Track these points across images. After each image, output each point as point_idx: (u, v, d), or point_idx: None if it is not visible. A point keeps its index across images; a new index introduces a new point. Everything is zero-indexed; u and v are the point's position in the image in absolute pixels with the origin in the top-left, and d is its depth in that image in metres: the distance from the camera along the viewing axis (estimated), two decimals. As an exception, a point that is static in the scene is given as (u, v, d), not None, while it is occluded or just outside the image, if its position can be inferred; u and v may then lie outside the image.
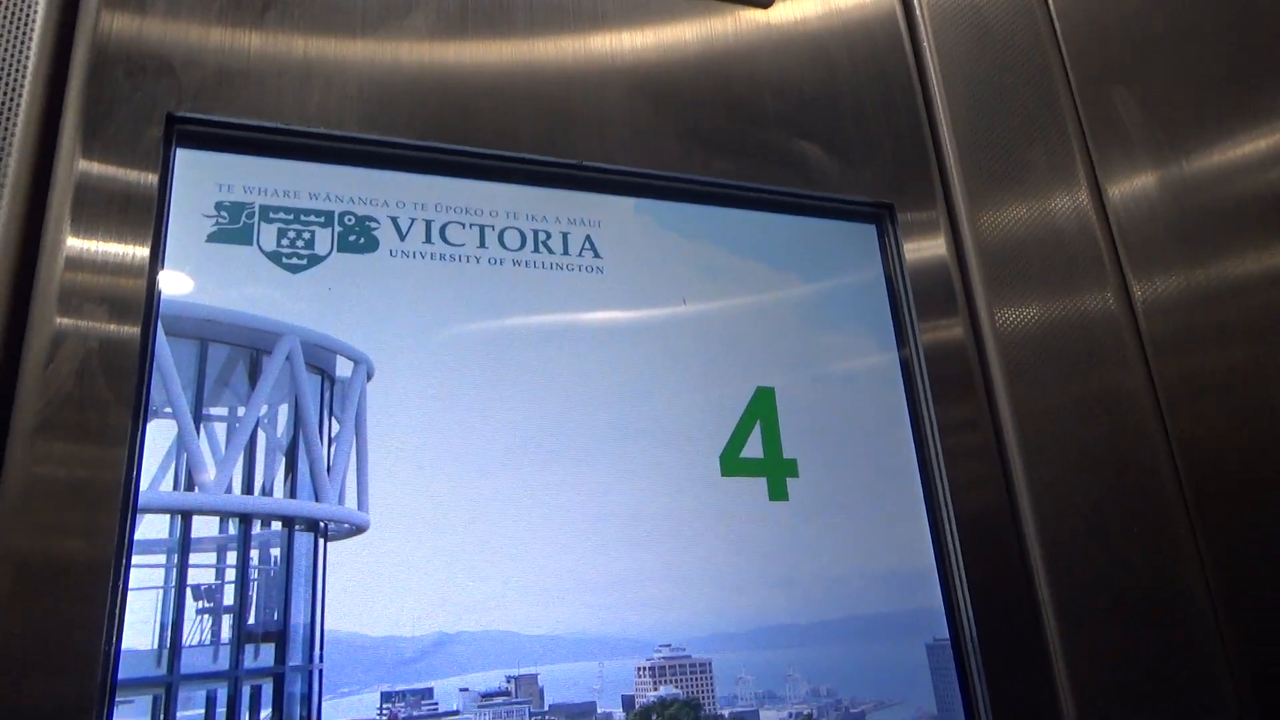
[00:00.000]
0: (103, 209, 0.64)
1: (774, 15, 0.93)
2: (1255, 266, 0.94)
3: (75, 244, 0.63)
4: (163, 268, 0.66)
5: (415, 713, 0.63)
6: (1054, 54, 1.01)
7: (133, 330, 0.62)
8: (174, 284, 0.66)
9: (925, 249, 0.90)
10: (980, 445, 0.85)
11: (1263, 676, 0.82)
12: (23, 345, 0.61)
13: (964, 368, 0.88)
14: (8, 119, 0.64)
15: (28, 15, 0.67)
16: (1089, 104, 1.00)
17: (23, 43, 0.66)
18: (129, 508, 0.60)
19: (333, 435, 0.68)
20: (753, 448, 0.79)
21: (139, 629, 0.58)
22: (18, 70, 0.65)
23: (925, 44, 0.97)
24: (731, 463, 0.77)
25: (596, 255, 0.80)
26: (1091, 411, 0.88)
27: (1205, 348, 0.93)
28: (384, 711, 0.62)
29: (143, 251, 0.64)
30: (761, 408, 0.80)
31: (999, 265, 0.91)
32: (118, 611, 0.58)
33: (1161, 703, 0.79)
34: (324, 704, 0.61)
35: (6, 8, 0.67)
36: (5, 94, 0.64)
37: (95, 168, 0.65)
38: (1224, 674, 0.82)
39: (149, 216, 0.66)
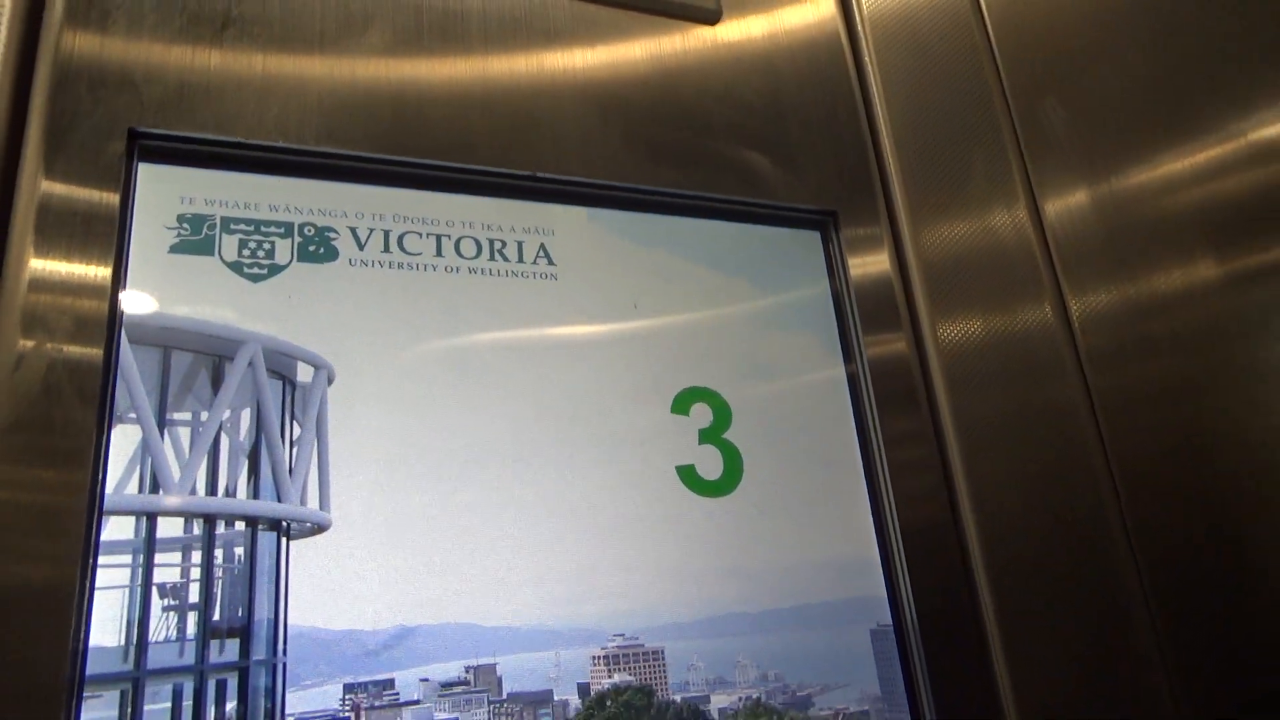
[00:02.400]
0: (66, 222, 0.66)
1: (721, 30, 0.97)
2: (1179, 282, 0.98)
3: (39, 253, 0.65)
4: (126, 279, 0.68)
5: (377, 703, 0.65)
6: (990, 69, 1.06)
7: (97, 338, 0.64)
8: (137, 294, 0.68)
9: (869, 261, 0.94)
10: (924, 458, 0.88)
11: (1193, 673, 0.86)
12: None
13: (908, 381, 0.90)
14: (-28, 135, 0.66)
15: (-9, 34, 0.69)
16: (1024, 120, 1.04)
17: (-14, 61, 0.68)
18: (95, 510, 0.62)
19: (294, 438, 0.70)
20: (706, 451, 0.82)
21: (106, 626, 0.60)
22: (-18, 88, 0.67)
23: (866, 57, 1.01)
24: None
25: (551, 263, 0.83)
26: (1031, 424, 0.91)
27: (1137, 361, 0.97)
28: (346, 702, 0.64)
29: (106, 264, 0.66)
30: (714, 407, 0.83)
31: (940, 278, 0.94)
32: (85, 609, 0.60)
33: (1097, 689, 0.83)
34: (288, 695, 0.63)
35: (-31, 27, 0.69)
36: (-31, 111, 0.66)
37: (59, 181, 0.67)
38: (1158, 667, 0.85)
39: (112, 228, 0.68)
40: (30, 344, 0.63)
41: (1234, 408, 0.97)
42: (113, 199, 0.68)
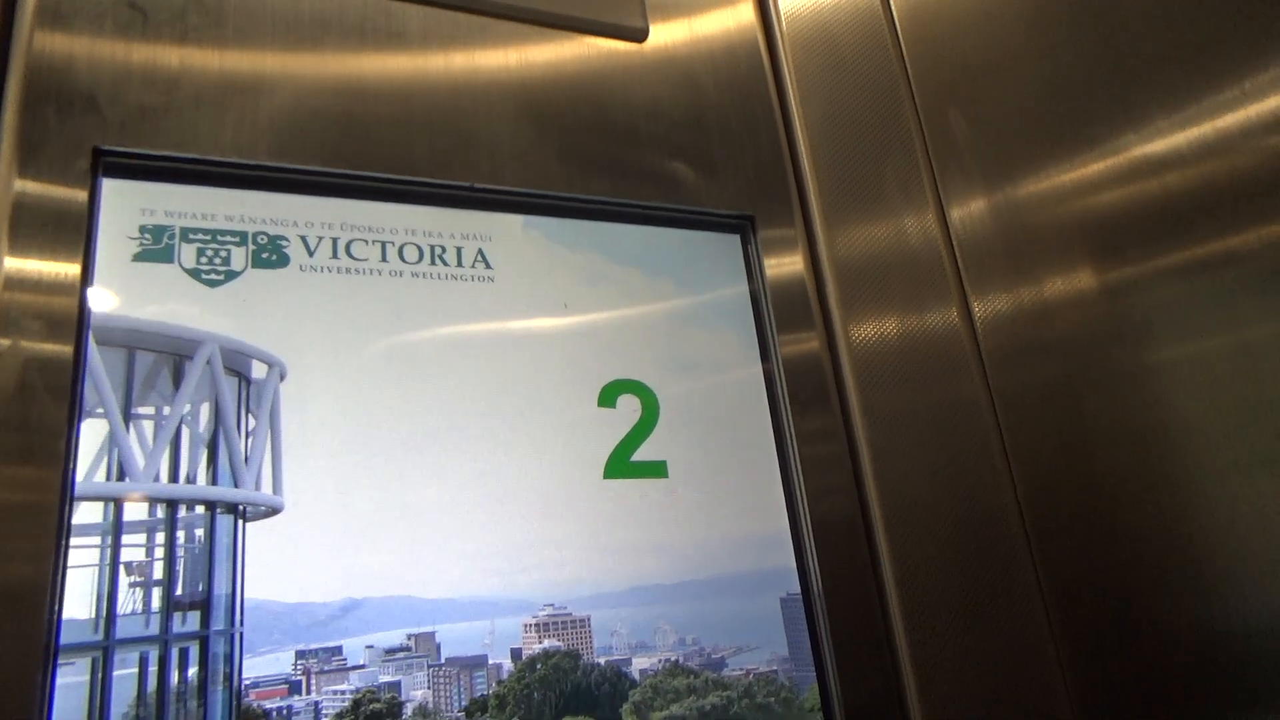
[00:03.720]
0: (36, 235, 0.73)
1: (648, 48, 1.05)
2: (1064, 289, 1.07)
3: (12, 265, 0.71)
4: (93, 281, 0.75)
5: (326, 667, 0.72)
6: (901, 79, 1.14)
7: (67, 336, 0.71)
8: (104, 299, 0.75)
9: (785, 263, 1.01)
10: (836, 455, 0.94)
11: (1083, 660, 0.94)
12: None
13: (820, 379, 0.97)
14: (-53, 154, 0.72)
15: (-38, 60, 0.75)
16: (933, 128, 1.12)
17: (-41, 85, 0.74)
18: (67, 496, 0.68)
19: (249, 429, 0.77)
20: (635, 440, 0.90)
21: (79, 600, 0.67)
22: (-45, 110, 0.73)
23: (785, 71, 1.09)
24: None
25: (488, 266, 0.90)
26: (936, 421, 0.98)
27: (1031, 361, 1.04)
28: (299, 667, 0.72)
29: (74, 271, 0.73)
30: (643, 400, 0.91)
31: (853, 280, 1.01)
32: (58, 585, 0.66)
33: (988, 649, 0.92)
34: (244, 661, 0.70)
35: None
36: (-56, 132, 0.72)
37: (32, 187, 0.73)
38: (1043, 625, 0.94)
39: (79, 237, 0.74)
40: (6, 342, 0.69)
41: (1117, 407, 1.04)
42: (80, 210, 0.75)
